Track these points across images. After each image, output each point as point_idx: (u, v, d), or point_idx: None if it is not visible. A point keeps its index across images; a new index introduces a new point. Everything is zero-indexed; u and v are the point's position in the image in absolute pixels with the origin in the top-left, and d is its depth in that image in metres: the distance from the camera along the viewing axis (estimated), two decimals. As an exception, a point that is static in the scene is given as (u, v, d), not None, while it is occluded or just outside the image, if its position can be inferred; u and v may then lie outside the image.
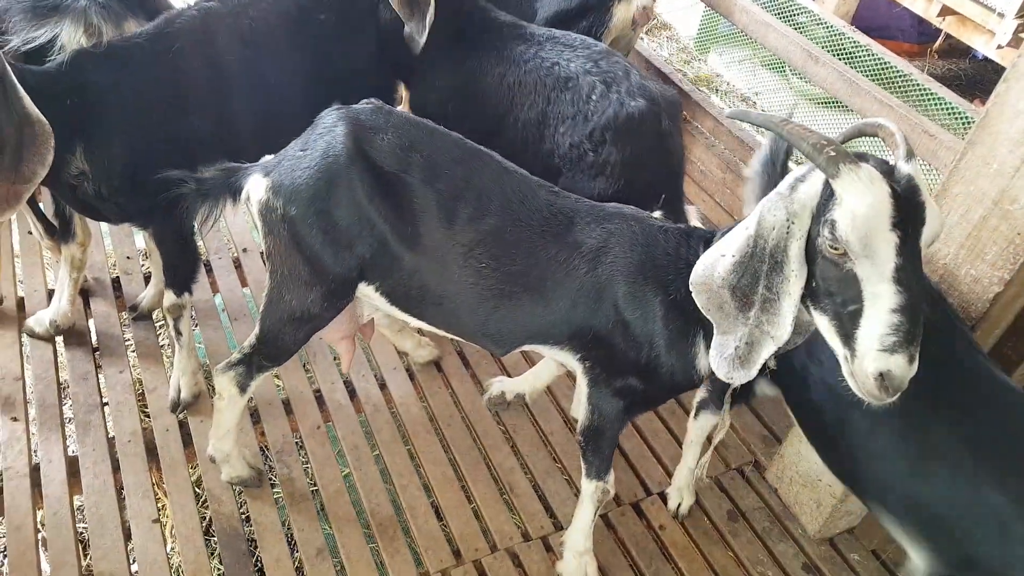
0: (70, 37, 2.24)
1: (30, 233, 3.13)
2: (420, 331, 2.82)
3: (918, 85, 3.87)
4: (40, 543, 2.36)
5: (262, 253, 2.66)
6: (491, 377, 2.89)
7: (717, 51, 5.75)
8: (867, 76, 3.39)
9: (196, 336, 2.95)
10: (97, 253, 3.20)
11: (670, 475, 2.68)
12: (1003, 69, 1.94)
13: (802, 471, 2.57)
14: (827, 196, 1.49)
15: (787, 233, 1.54)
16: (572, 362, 2.08)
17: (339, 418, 2.75)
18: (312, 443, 2.66)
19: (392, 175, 1.91)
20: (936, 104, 3.96)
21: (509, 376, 2.90)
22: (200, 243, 2.88)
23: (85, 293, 3.06)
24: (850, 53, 4.40)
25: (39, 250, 3.20)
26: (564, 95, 2.53)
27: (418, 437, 2.72)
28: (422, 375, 2.93)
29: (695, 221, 2.80)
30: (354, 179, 1.89)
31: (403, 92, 3.25)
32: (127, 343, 2.93)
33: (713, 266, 1.68)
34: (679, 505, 2.58)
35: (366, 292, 2.08)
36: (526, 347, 2.10)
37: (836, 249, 1.48)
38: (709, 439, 2.43)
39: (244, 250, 3.33)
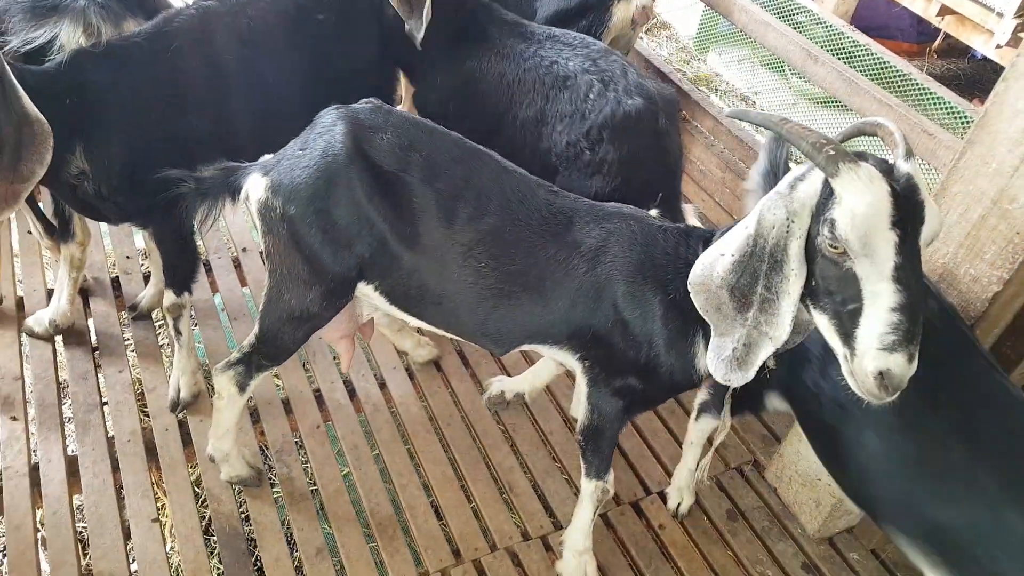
0: (69, 37, 2.24)
1: (29, 232, 3.13)
2: (420, 330, 2.82)
3: (917, 84, 3.87)
4: (39, 542, 2.36)
5: (262, 253, 2.66)
6: (491, 376, 2.89)
7: (716, 50, 5.75)
8: (866, 76, 3.39)
9: (196, 336, 2.95)
10: (96, 252, 3.20)
11: (669, 474, 2.69)
12: (1002, 69, 1.94)
13: (801, 470, 2.57)
14: (826, 195, 1.49)
15: (787, 232, 1.54)
16: (571, 362, 2.08)
17: (339, 417, 2.75)
18: (312, 442, 2.66)
19: (391, 174, 1.91)
20: (935, 104, 3.97)
21: (509, 375, 2.90)
22: (200, 243, 2.88)
23: (84, 293, 3.06)
24: (849, 53, 4.40)
25: (38, 249, 3.20)
26: (562, 93, 2.53)
27: (418, 436, 2.72)
28: (422, 374, 2.93)
29: (693, 220, 2.80)
30: (353, 178, 1.89)
31: (402, 92, 3.26)
32: (126, 343, 2.93)
33: (712, 265, 1.68)
34: (679, 505, 2.58)
35: (365, 291, 2.08)
36: (525, 347, 2.10)
37: (835, 248, 1.48)
38: (710, 441, 2.43)
39: (244, 249, 3.33)
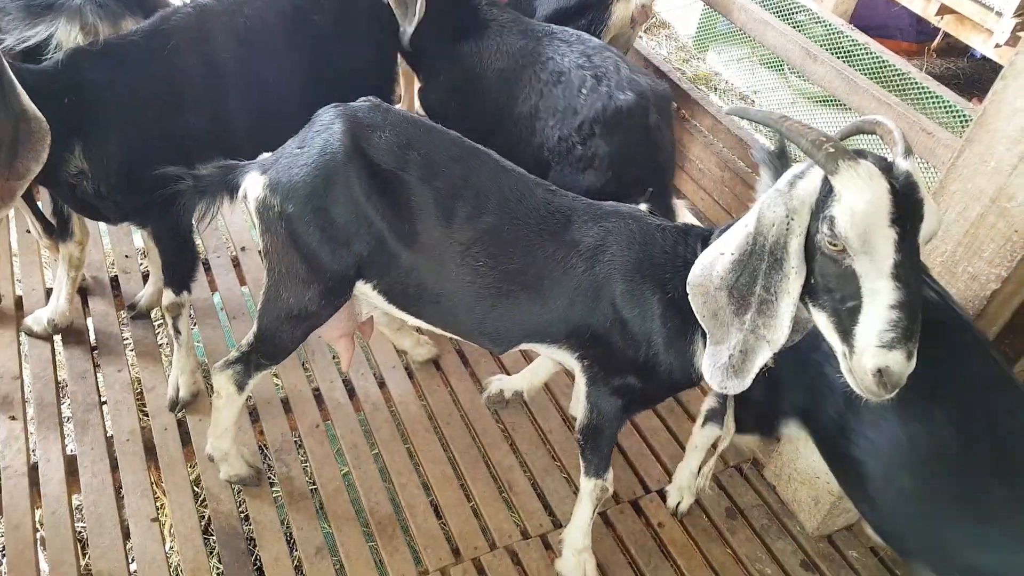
0: (66, 36, 2.24)
1: (28, 232, 3.13)
2: (419, 329, 2.82)
3: (916, 83, 3.87)
4: (39, 542, 2.36)
5: (261, 252, 2.65)
6: (490, 375, 2.89)
7: (716, 49, 5.75)
8: (865, 74, 3.39)
9: (195, 335, 2.95)
10: (95, 252, 3.20)
11: (669, 473, 2.69)
12: (1001, 68, 1.94)
13: (800, 468, 2.57)
14: (826, 192, 1.49)
15: (787, 229, 1.54)
16: (570, 361, 2.08)
17: (338, 417, 2.75)
18: (311, 442, 2.66)
19: (389, 173, 1.91)
20: (934, 102, 3.96)
21: (508, 374, 2.90)
22: (198, 241, 2.88)
23: (83, 292, 3.06)
24: (848, 52, 4.41)
25: (37, 249, 3.20)
26: (556, 89, 2.54)
27: (417, 435, 2.72)
28: (421, 373, 2.93)
29: (684, 215, 2.81)
30: (351, 176, 1.88)
31: (401, 91, 3.26)
32: (125, 342, 2.93)
33: (711, 265, 1.68)
34: (678, 503, 2.58)
35: (364, 290, 2.08)
36: (524, 346, 2.10)
37: (835, 245, 1.48)
38: (714, 446, 2.43)
39: (242, 248, 3.32)
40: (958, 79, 5.69)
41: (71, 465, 2.51)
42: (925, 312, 1.47)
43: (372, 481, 2.56)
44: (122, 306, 3.05)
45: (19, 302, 3.03)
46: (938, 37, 5.82)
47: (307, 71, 2.57)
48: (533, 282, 1.94)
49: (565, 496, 2.60)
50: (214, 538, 2.38)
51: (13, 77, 1.91)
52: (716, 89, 5.42)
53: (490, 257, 1.93)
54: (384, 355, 2.97)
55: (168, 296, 2.54)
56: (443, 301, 2.01)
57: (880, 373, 1.45)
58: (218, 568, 2.36)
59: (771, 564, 2.49)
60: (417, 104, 3.15)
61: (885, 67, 4.13)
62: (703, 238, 1.88)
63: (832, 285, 1.52)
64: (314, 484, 2.56)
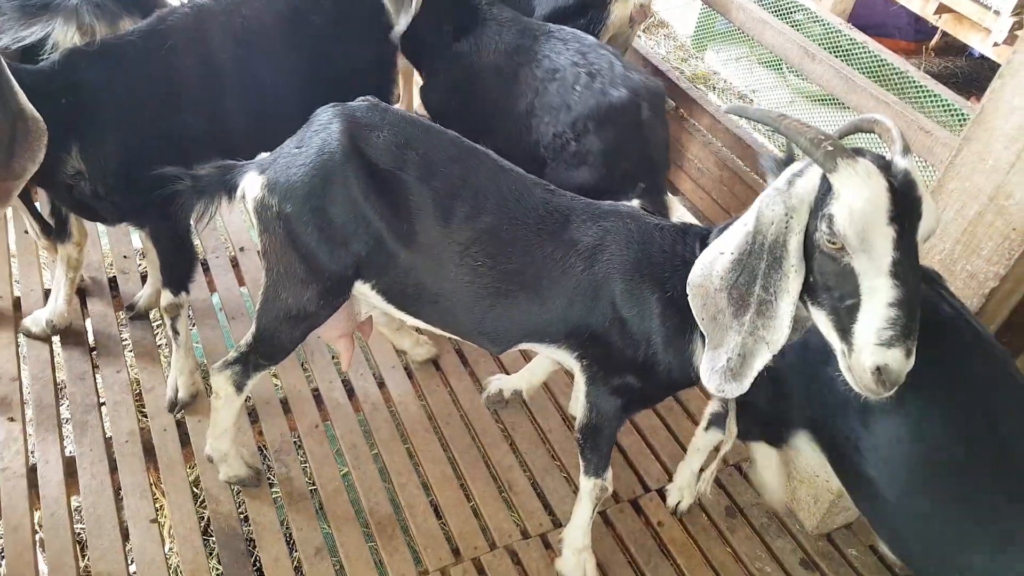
0: (63, 36, 2.23)
1: (26, 232, 3.12)
2: (418, 329, 2.82)
3: (914, 82, 3.88)
4: (38, 544, 2.35)
5: (259, 252, 2.65)
6: (489, 375, 2.89)
7: (714, 48, 5.75)
8: (864, 73, 3.39)
9: (193, 335, 2.94)
10: (94, 252, 3.20)
11: (668, 472, 2.69)
12: (999, 66, 1.94)
13: (799, 467, 2.57)
14: (824, 191, 1.49)
15: (786, 228, 1.54)
16: (570, 360, 2.08)
17: (337, 417, 2.75)
18: (310, 442, 2.65)
19: (388, 172, 1.91)
20: (932, 101, 3.96)
21: (508, 374, 2.90)
22: (197, 242, 2.88)
23: (82, 292, 3.05)
24: (847, 50, 4.41)
25: (35, 249, 3.19)
26: (551, 86, 2.56)
27: (417, 435, 2.72)
28: (420, 373, 2.93)
29: (678, 212, 2.81)
30: (349, 176, 1.88)
31: (400, 91, 3.27)
32: (124, 343, 2.93)
33: (711, 265, 1.67)
34: (678, 503, 2.58)
35: (362, 290, 2.08)
36: (523, 345, 2.10)
37: (834, 244, 1.48)
38: (716, 449, 2.43)
39: (241, 249, 3.32)
40: (956, 78, 5.70)
41: (70, 466, 2.51)
42: (950, 332, 1.44)
43: (372, 481, 2.56)
44: (121, 307, 3.05)
45: (17, 303, 3.03)
46: (936, 36, 5.83)
47: (305, 71, 2.56)
48: (532, 282, 1.94)
49: (565, 495, 2.60)
50: (213, 539, 2.38)
51: (11, 76, 1.91)
52: (715, 88, 5.43)
53: (489, 257, 1.92)
54: (383, 355, 2.97)
55: (167, 297, 2.54)
56: (442, 301, 2.01)
57: (879, 371, 1.46)
58: (217, 569, 2.36)
59: (771, 562, 2.49)
60: (417, 103, 3.16)
61: (883, 66, 4.13)
62: (701, 237, 1.88)
63: (831, 283, 1.52)
64: (313, 484, 2.56)
